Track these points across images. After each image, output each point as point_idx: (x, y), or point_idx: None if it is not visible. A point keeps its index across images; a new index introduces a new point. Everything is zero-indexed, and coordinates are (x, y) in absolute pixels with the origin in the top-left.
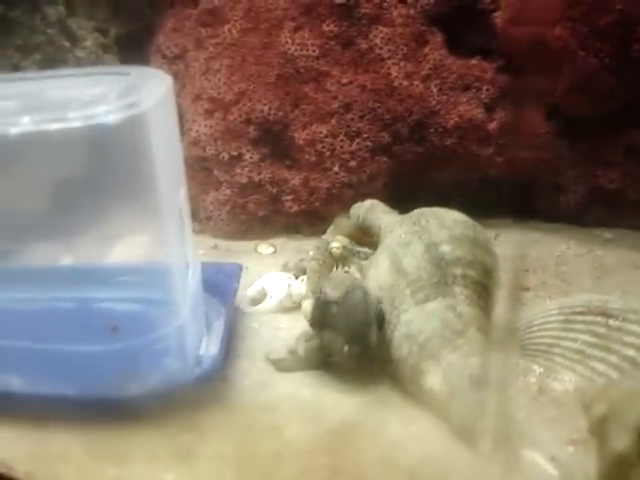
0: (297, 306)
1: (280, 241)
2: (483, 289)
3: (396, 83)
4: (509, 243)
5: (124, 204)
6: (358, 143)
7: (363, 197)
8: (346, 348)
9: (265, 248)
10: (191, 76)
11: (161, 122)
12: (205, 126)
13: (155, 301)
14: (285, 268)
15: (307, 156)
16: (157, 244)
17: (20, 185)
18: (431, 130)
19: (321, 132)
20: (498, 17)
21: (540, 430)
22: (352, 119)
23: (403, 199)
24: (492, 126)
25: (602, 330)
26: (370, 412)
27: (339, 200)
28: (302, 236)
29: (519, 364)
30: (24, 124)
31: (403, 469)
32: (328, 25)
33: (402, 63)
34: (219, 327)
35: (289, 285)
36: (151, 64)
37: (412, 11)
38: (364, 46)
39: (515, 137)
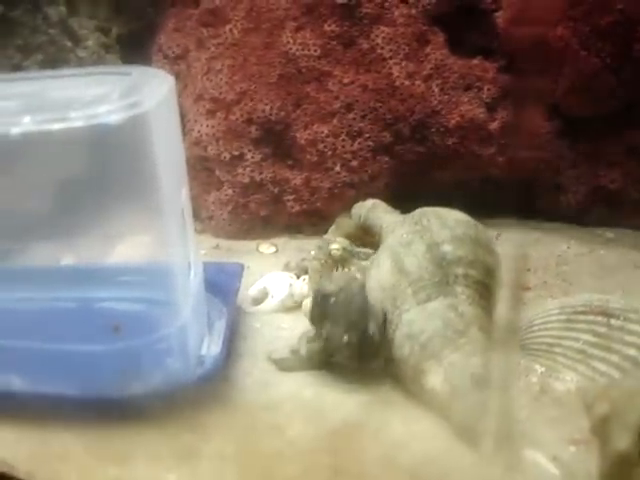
0: (299, 306)
1: (282, 241)
2: (485, 289)
3: (398, 83)
4: (510, 243)
5: (126, 204)
6: (360, 143)
7: (365, 197)
8: (345, 337)
9: (267, 248)
10: (193, 76)
11: (163, 122)
12: (207, 126)
13: (157, 301)
14: (287, 268)
15: (309, 156)
16: (159, 244)
17: (22, 185)
18: (433, 130)
19: (323, 132)
20: (499, 17)
21: (542, 430)
22: (354, 119)
23: (405, 199)
24: (493, 126)
25: (603, 330)
26: (372, 412)
27: (341, 200)
28: (304, 236)
29: (521, 364)
30: (26, 124)
31: (405, 469)
32: (330, 25)
33: (404, 63)
34: (221, 327)
35: (291, 285)
36: (153, 64)
37: (414, 11)
38: (366, 46)
39: (516, 137)
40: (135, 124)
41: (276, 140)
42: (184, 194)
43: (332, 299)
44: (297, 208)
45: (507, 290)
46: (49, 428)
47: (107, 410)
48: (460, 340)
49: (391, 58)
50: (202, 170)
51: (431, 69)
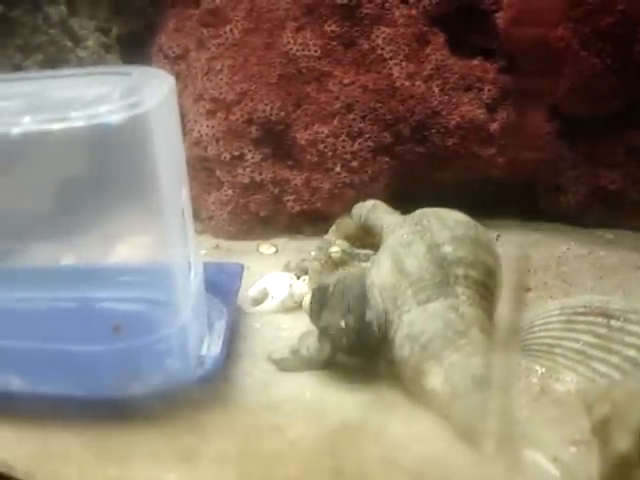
0: (299, 306)
1: (282, 241)
2: (485, 289)
3: (398, 83)
4: (510, 243)
5: (126, 204)
6: (360, 143)
7: (365, 197)
8: (342, 323)
9: (267, 248)
10: (193, 76)
11: (163, 122)
12: (207, 126)
13: (157, 301)
14: (287, 268)
15: (309, 156)
16: (159, 244)
17: (22, 185)
18: (433, 130)
19: (323, 132)
20: (500, 18)
21: (542, 430)
22: (354, 119)
23: (405, 199)
24: (494, 127)
25: (603, 331)
26: (372, 412)
27: (341, 200)
28: (304, 236)
29: (521, 364)
30: (26, 124)
31: (405, 469)
32: (330, 25)
33: (404, 63)
34: (221, 327)
35: (291, 285)
36: (153, 64)
37: (414, 11)
38: (366, 46)
39: (517, 138)
40: (135, 124)
41: (276, 140)
42: (184, 194)
43: (330, 290)
44: (297, 208)
45: (507, 291)
46: (49, 428)
47: (107, 410)
48: (460, 341)
49: (391, 59)
50: (202, 170)
51: (431, 70)
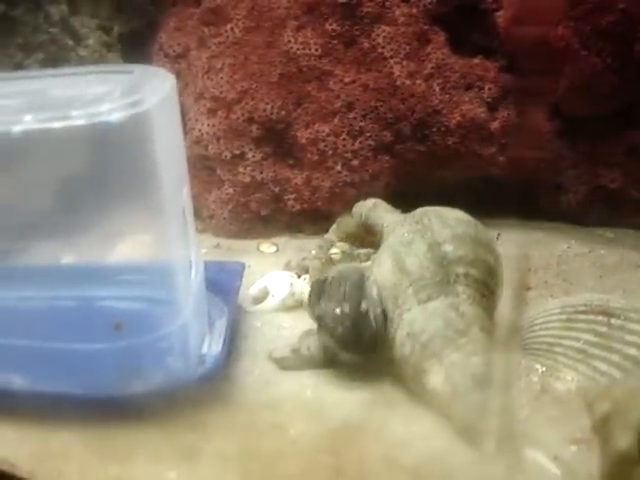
0: (299, 305)
1: (282, 240)
2: (486, 288)
3: (398, 82)
4: (511, 242)
5: (127, 202)
6: (361, 142)
7: (365, 196)
8: (337, 310)
9: (267, 247)
10: (194, 75)
11: (164, 120)
12: (208, 125)
13: (158, 300)
14: (287, 267)
15: (309, 155)
16: (160, 243)
17: (23, 183)
18: (433, 129)
19: (324, 131)
20: (500, 16)
21: (543, 429)
22: (354, 118)
23: (405, 198)
24: (494, 125)
25: (604, 329)
26: (373, 411)
27: (341, 199)
28: (304, 235)
29: (521, 363)
30: (27, 122)
31: (406, 468)
32: (331, 24)
33: (404, 62)
34: (222, 326)
35: (291, 284)
36: (154, 63)
37: (414, 10)
38: (366, 45)
39: (517, 136)
40: (136, 123)
41: (277, 139)
42: (185, 193)
43: (328, 281)
44: (298, 207)
45: (508, 290)
46: (50, 427)
47: (108, 409)
48: (461, 340)
49: (392, 57)
50: (203, 169)
51: (432, 68)
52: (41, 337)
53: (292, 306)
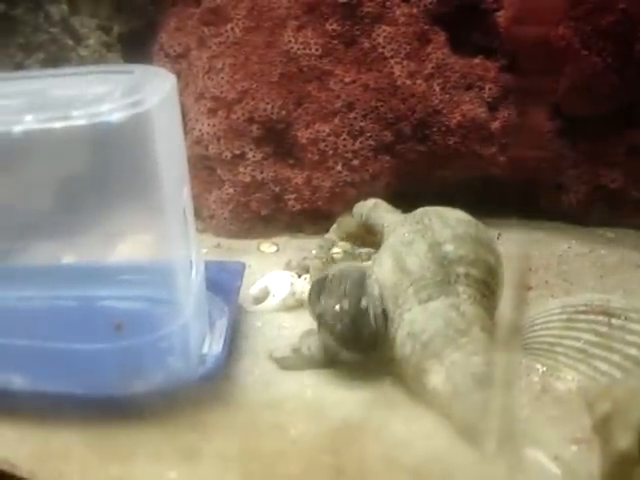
0: (300, 305)
1: (283, 240)
2: (486, 288)
3: (399, 82)
4: (511, 242)
5: (127, 202)
6: (361, 142)
7: (366, 196)
8: (337, 307)
9: (268, 247)
10: (194, 75)
11: (165, 120)
12: (208, 125)
13: (159, 300)
14: (288, 267)
15: (310, 155)
16: (160, 242)
17: (23, 183)
18: (434, 129)
19: (324, 131)
20: (501, 16)
21: (543, 429)
22: (355, 118)
23: (406, 198)
24: (495, 125)
25: (604, 329)
26: (373, 411)
27: (342, 199)
28: (305, 235)
29: (522, 363)
30: (28, 122)
31: (406, 468)
32: (331, 24)
33: (405, 62)
34: (222, 326)
35: (292, 284)
36: (154, 63)
37: (415, 10)
38: (367, 45)
39: (518, 136)
40: (137, 123)
41: (277, 139)
42: (185, 193)
43: (328, 278)
44: (298, 207)
45: (509, 289)
46: (51, 427)
47: (109, 409)
48: (461, 339)
49: (392, 57)
50: (203, 169)
51: (432, 68)
52: (42, 337)
53: (293, 306)
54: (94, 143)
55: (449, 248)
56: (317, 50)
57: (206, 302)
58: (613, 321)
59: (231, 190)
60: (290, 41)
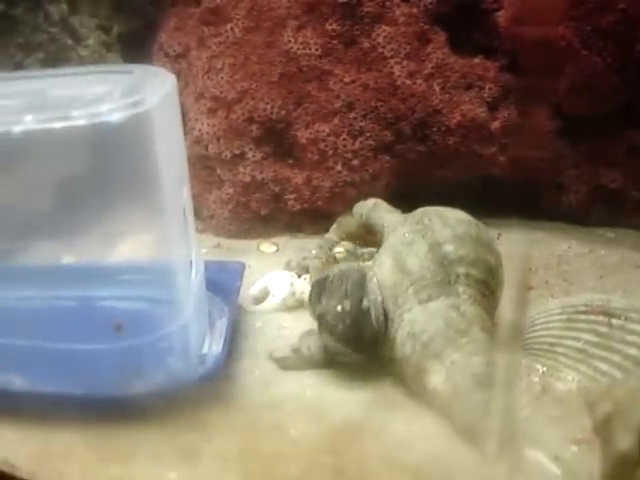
0: (300, 305)
1: (283, 240)
2: (486, 288)
3: (399, 82)
4: (511, 242)
5: (127, 202)
6: (361, 142)
7: (366, 196)
8: (339, 307)
9: (268, 247)
10: (194, 75)
11: (165, 120)
12: (208, 125)
13: (158, 300)
14: (288, 267)
15: (310, 155)
16: (160, 242)
17: (23, 183)
18: (434, 129)
19: (324, 131)
20: (501, 16)
21: (543, 429)
22: (355, 118)
23: (406, 198)
24: (495, 125)
25: (605, 329)
26: (373, 411)
27: (342, 199)
28: (304, 235)
29: (522, 363)
30: (27, 122)
31: (407, 468)
32: (331, 24)
33: (405, 62)
34: (222, 326)
35: (292, 284)
36: (154, 62)
37: (415, 10)
38: (367, 45)
39: (518, 136)
40: (137, 123)
41: (277, 139)
42: (185, 193)
43: (329, 279)
44: (298, 207)
45: (509, 289)
46: (50, 427)
47: (109, 409)
48: (462, 339)
49: (392, 57)
50: (203, 169)
51: (432, 68)
52: (41, 337)
53: (292, 306)
54: (94, 143)
55: (449, 248)
56: (317, 50)
57: (206, 302)
58: (613, 321)
59: (231, 190)
60: (290, 41)
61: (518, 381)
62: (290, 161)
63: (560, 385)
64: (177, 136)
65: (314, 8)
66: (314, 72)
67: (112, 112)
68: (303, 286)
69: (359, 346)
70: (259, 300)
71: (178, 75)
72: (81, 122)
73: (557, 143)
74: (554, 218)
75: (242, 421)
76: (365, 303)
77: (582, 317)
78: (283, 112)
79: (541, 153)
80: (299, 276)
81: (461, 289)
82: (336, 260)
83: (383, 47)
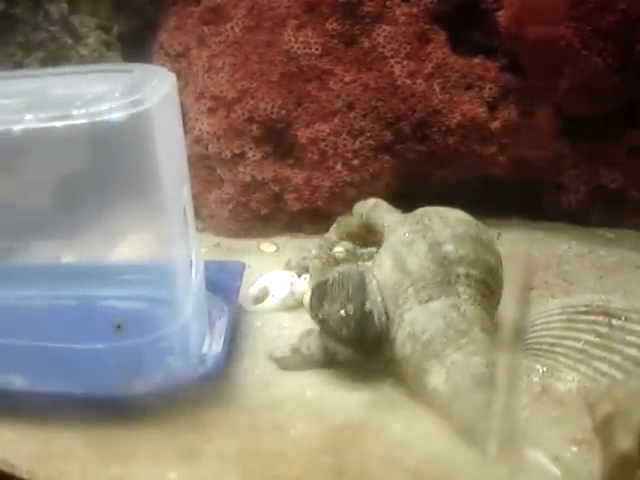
0: (300, 304)
1: (282, 239)
2: (486, 288)
3: (399, 82)
4: (511, 242)
5: (128, 202)
6: (361, 142)
7: (366, 196)
8: (342, 312)
9: (267, 246)
10: (194, 74)
11: (165, 120)
12: (208, 124)
13: (159, 299)
14: (287, 266)
15: (310, 154)
16: (160, 242)
17: (23, 182)
18: (434, 129)
19: (324, 130)
20: (501, 16)
21: (543, 430)
22: (355, 118)
23: (406, 198)
24: (495, 125)
25: (605, 330)
26: (373, 411)
27: (342, 199)
28: (304, 234)
29: (522, 363)
30: (28, 121)
31: (407, 468)
32: (331, 23)
33: (405, 62)
34: (222, 325)
35: (292, 283)
36: (154, 62)
37: (415, 10)
38: (367, 45)
39: (518, 136)
40: (137, 122)
41: (277, 139)
42: (185, 192)
43: (329, 283)
44: (298, 207)
45: (509, 289)
46: (50, 427)
47: (109, 409)
48: (462, 340)
49: (392, 57)
50: (203, 168)
51: (432, 68)
52: (42, 337)
53: (292, 306)
54: (94, 142)
55: (449, 248)
56: (317, 49)
57: (206, 302)
58: (613, 322)
59: (231, 189)
60: (290, 40)
61: (518, 381)
62: (290, 161)
63: (560, 385)
64: (177, 135)
65: (314, 7)
66: (314, 72)
67: (112, 111)
68: (303, 286)
69: (362, 348)
70: (259, 300)
71: (178, 74)
72: (81, 121)
73: (557, 143)
74: (554, 218)
75: (242, 421)
76: (368, 306)
77: (582, 317)
78: (283, 112)
79: (541, 153)
80: (299, 276)
81: (461, 289)
82: (336, 260)
83: (383, 47)
